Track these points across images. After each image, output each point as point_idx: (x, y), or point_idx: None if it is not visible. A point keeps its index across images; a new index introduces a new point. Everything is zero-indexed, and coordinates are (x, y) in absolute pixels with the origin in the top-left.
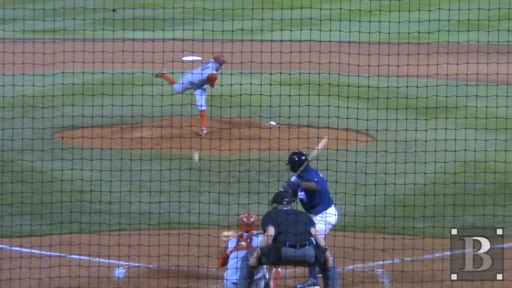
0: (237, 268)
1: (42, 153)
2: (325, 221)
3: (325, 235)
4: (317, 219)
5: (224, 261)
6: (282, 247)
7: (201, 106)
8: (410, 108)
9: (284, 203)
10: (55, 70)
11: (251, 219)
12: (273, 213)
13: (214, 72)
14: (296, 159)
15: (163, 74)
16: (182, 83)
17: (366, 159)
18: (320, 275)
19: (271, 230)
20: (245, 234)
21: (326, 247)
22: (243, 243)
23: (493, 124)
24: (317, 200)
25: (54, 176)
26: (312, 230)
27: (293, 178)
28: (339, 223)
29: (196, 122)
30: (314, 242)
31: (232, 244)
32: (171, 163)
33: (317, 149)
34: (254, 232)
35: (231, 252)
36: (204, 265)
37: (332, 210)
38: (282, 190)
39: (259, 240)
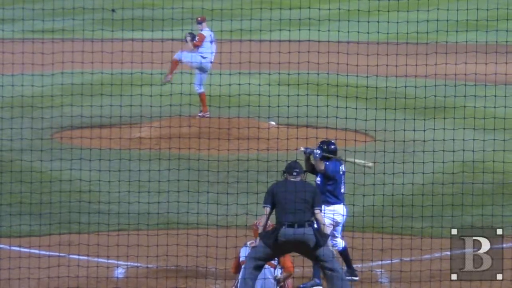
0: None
1: (41, 153)
2: (331, 217)
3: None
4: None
5: (237, 269)
6: (281, 228)
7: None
8: (408, 108)
9: (294, 173)
10: (54, 70)
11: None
12: (278, 186)
13: (200, 32)
14: (325, 147)
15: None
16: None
17: (365, 159)
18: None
19: (264, 216)
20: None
21: (328, 234)
22: None
23: (491, 124)
24: (329, 190)
25: (53, 176)
26: (317, 212)
27: (317, 151)
28: None
29: (195, 122)
30: (316, 226)
31: (244, 253)
32: (170, 163)
33: (355, 161)
34: None
35: (243, 262)
36: (202, 265)
37: (339, 207)
38: (295, 160)
39: None
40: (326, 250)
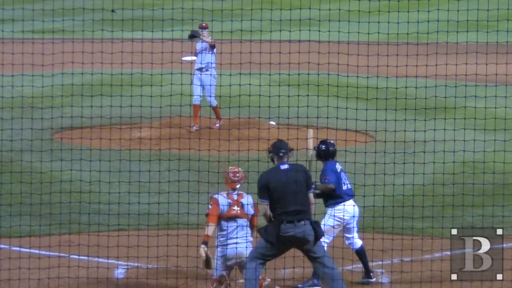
0: (235, 244)
1: (41, 154)
2: (333, 215)
3: (333, 227)
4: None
5: (215, 218)
6: (281, 225)
7: (214, 101)
8: (409, 109)
9: (281, 154)
10: (54, 71)
11: (237, 176)
12: (270, 176)
13: (209, 38)
14: (324, 148)
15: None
16: (199, 95)
17: (365, 160)
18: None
19: (265, 208)
20: (233, 193)
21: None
22: (236, 208)
23: (492, 124)
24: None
25: (53, 177)
26: (310, 195)
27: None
28: None
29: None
30: (313, 218)
31: (222, 201)
32: (170, 164)
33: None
34: (244, 194)
35: (223, 217)
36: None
37: (348, 206)
38: (281, 140)
39: (250, 205)
40: (317, 247)
